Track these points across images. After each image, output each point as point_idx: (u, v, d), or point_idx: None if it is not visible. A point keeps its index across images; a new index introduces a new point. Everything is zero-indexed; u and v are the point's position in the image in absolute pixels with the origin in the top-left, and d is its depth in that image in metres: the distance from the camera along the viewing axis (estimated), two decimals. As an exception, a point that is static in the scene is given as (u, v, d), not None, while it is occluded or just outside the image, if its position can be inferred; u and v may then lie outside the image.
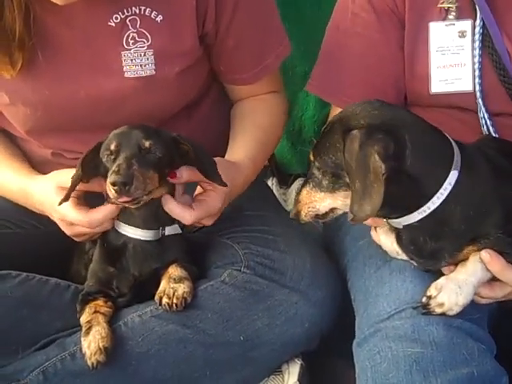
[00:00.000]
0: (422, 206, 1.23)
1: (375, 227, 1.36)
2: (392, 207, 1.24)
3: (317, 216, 1.30)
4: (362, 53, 1.56)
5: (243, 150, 1.57)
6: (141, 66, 1.50)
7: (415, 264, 1.34)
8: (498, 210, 1.26)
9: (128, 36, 1.49)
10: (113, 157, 1.36)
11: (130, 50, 1.49)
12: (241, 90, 1.69)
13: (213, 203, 1.43)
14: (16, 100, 1.52)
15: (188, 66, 1.54)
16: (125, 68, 1.50)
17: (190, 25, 1.51)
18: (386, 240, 1.34)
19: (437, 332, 1.24)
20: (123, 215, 1.45)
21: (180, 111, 1.62)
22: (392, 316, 1.28)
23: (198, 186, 1.46)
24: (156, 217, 1.45)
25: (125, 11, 1.48)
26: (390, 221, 1.29)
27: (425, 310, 1.25)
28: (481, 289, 1.26)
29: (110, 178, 1.31)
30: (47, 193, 1.47)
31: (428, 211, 1.23)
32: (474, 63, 1.48)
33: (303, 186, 1.30)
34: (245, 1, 1.55)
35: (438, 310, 1.24)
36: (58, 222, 1.48)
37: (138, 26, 1.49)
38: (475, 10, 1.47)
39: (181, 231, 1.49)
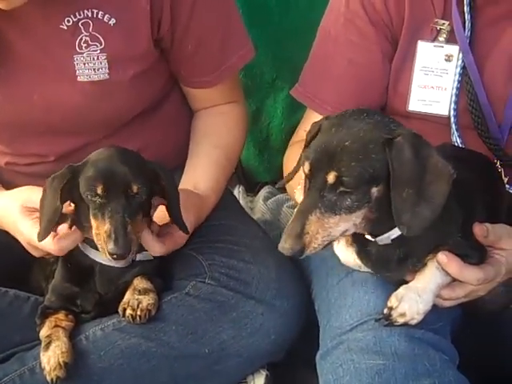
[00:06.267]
0: None
1: None
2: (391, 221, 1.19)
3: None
4: (353, 62, 1.54)
5: (205, 178, 1.59)
6: (94, 70, 1.48)
7: (378, 275, 1.34)
8: (458, 214, 1.26)
9: (81, 39, 1.47)
10: (99, 200, 1.31)
11: (83, 53, 1.47)
12: (201, 98, 1.68)
13: (180, 240, 1.46)
14: None
15: (143, 69, 1.53)
16: (77, 72, 1.48)
17: (144, 28, 1.49)
18: (347, 255, 1.33)
19: (398, 343, 1.24)
20: (86, 231, 1.40)
21: (139, 116, 1.61)
22: (355, 328, 1.28)
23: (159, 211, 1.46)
24: None
25: (77, 14, 1.46)
26: (378, 238, 1.25)
27: (387, 321, 1.24)
28: (442, 290, 1.26)
29: (109, 247, 1.28)
30: (11, 212, 1.43)
31: None
32: (452, 88, 1.49)
33: (307, 213, 1.14)
34: (202, 4, 1.53)
35: (400, 320, 1.23)
36: (22, 243, 1.45)
37: (90, 30, 1.47)
38: None
39: (152, 258, 1.46)
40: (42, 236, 1.35)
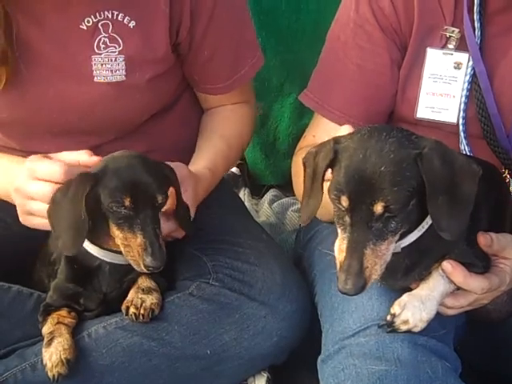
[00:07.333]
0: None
1: None
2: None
3: None
4: (362, 67, 1.54)
5: (204, 160, 1.58)
6: (111, 71, 1.49)
7: (383, 283, 1.34)
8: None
9: (99, 40, 1.48)
10: (125, 211, 1.29)
11: (101, 54, 1.48)
12: (213, 100, 1.69)
13: (177, 231, 1.44)
14: None
15: (159, 73, 1.54)
16: (95, 72, 1.49)
17: (163, 32, 1.50)
18: None
19: (401, 349, 1.23)
20: (98, 238, 1.39)
21: (151, 117, 1.61)
22: (357, 333, 1.27)
23: None
24: None
25: (97, 15, 1.47)
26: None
27: (390, 328, 1.24)
28: (446, 299, 1.26)
29: (146, 260, 1.27)
30: (16, 172, 1.39)
31: (426, 226, 1.21)
32: (461, 96, 1.49)
33: (361, 248, 1.13)
34: (220, 12, 1.54)
35: (403, 328, 1.23)
36: (14, 197, 1.38)
37: (109, 31, 1.48)
38: None
39: None
40: (73, 248, 1.31)
